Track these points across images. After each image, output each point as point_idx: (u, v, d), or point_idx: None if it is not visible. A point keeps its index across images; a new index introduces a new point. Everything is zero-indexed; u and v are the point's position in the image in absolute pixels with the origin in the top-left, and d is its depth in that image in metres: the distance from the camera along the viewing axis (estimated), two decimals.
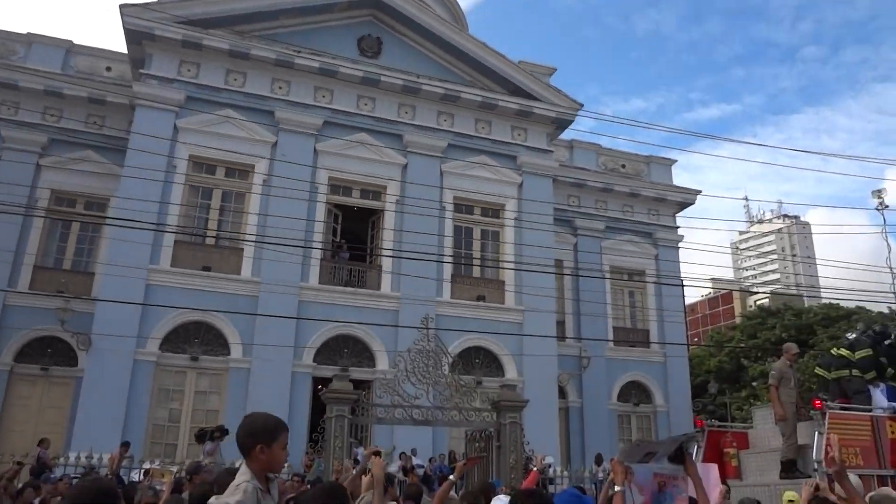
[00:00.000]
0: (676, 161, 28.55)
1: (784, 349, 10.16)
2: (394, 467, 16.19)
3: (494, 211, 22.58)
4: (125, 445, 14.94)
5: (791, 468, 9.05)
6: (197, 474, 6.66)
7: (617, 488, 3.76)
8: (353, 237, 21.81)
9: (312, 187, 19.97)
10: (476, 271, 22.27)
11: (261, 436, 2.97)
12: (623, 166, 27.46)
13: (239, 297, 18.74)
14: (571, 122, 23.55)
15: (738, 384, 35.23)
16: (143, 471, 13.53)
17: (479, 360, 20.89)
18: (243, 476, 2.89)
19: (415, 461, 17.05)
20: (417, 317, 15.70)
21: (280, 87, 20.66)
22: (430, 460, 17.78)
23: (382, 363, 19.34)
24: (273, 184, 19.29)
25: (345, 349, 19.77)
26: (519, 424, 13.58)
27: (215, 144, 19.44)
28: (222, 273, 18.98)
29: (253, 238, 18.67)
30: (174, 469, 13.32)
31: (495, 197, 22.39)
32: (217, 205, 19.86)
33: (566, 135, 25.26)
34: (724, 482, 8.04)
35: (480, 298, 21.35)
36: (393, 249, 19.86)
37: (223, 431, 14.73)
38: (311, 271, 19.81)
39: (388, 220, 20.99)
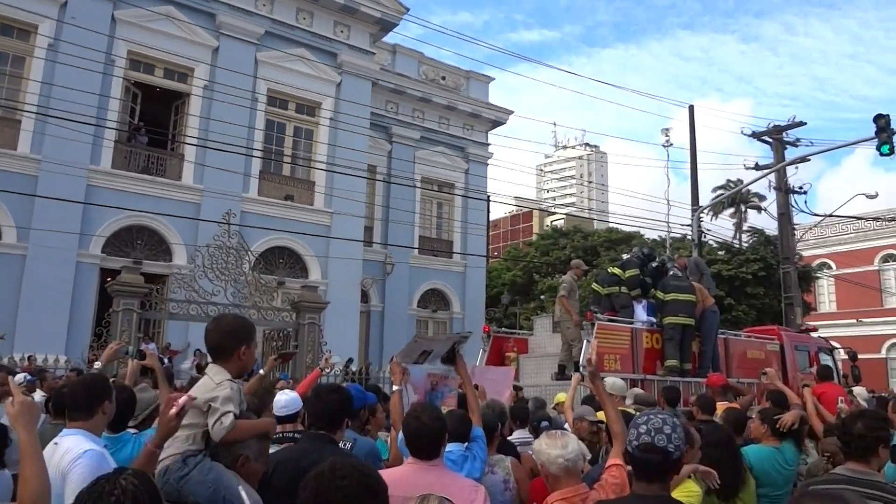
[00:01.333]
0: (494, 79, 29.24)
1: (573, 265, 11.03)
2: (187, 364, 15.79)
3: (310, 108, 21.86)
4: None
5: (563, 371, 10.01)
6: None
7: (395, 388, 3.97)
8: (154, 121, 20.13)
9: (108, 59, 17.97)
10: (286, 169, 21.62)
11: (244, 337, 2.94)
12: (443, 78, 27.61)
13: (13, 175, 16.66)
14: (396, 25, 23.10)
15: (528, 297, 38.01)
16: None
17: (283, 261, 20.59)
18: (223, 375, 2.83)
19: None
20: (220, 211, 15.03)
21: None
22: None
23: (180, 257, 18.43)
24: (60, 49, 17.08)
25: (139, 241, 18.54)
26: (318, 325, 13.74)
27: None
28: None
29: (33, 109, 16.57)
30: None
31: (312, 94, 21.61)
32: None
33: (389, 38, 24.80)
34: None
35: (289, 198, 20.85)
36: (198, 138, 18.63)
37: None
38: (104, 153, 18.11)
39: (195, 105, 19.55)
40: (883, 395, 11.98)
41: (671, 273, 10.83)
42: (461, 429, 3.69)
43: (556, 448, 3.04)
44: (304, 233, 20.23)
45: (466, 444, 3.71)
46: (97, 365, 4.29)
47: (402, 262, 24.79)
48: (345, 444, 3.84)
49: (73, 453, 2.75)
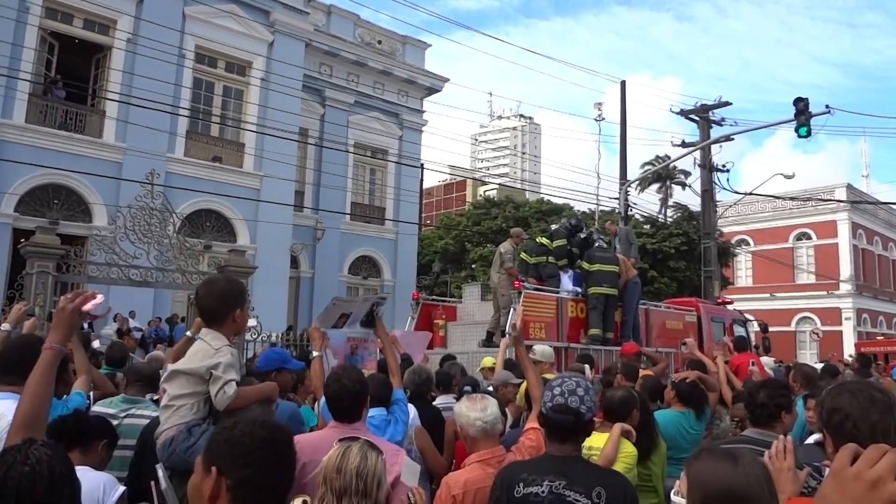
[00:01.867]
0: (431, 46, 28.98)
1: (513, 233, 11.07)
2: (108, 329, 15.31)
3: (240, 68, 21.20)
4: None
5: (491, 337, 10.16)
6: None
7: (315, 354, 3.96)
8: (73, 74, 19.14)
9: (22, 6, 16.96)
10: (214, 130, 20.98)
11: (238, 300, 2.92)
12: (379, 42, 27.16)
13: None
14: None
15: (460, 265, 38.29)
16: None
17: (210, 224, 20.07)
18: (221, 340, 2.79)
19: (132, 324, 16.28)
20: (143, 171, 14.46)
21: None
22: (149, 323, 17.08)
23: (100, 218, 17.73)
24: None
25: (55, 200, 17.73)
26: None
27: None
28: None
29: None
30: None
31: (242, 52, 20.94)
32: None
33: None
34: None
35: (217, 159, 20.27)
36: (120, 94, 17.83)
37: None
38: (16, 107, 17.16)
39: (117, 59, 18.67)
40: (789, 364, 12.67)
41: (597, 244, 11.09)
42: (382, 393, 3.71)
43: (475, 411, 3.10)
44: (232, 195, 19.78)
45: (388, 407, 3.74)
46: (5, 326, 4.12)
47: (334, 227, 24.54)
48: None
49: (7, 419, 2.64)
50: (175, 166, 19.06)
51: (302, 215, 23.54)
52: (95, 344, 10.49)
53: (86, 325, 13.65)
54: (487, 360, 7.74)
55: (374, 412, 3.69)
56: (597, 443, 3.77)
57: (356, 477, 2.05)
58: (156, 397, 4.06)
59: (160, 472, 2.41)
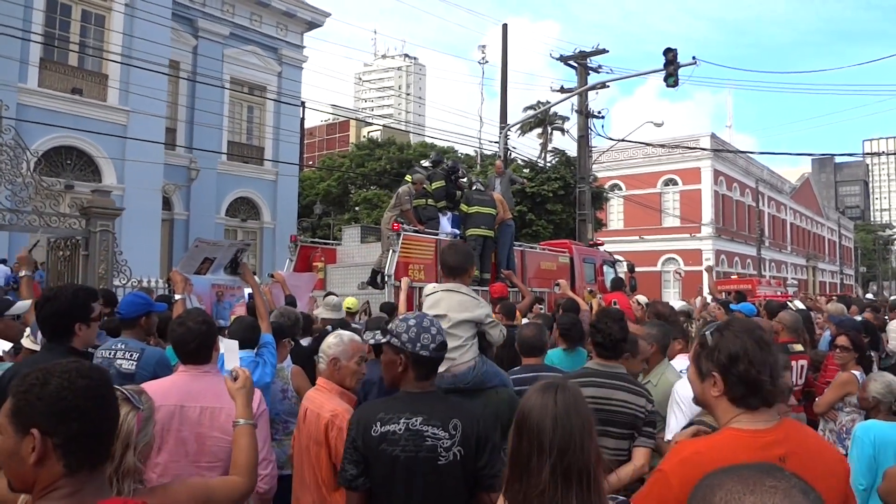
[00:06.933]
0: None
1: (415, 180, 11.00)
2: None
3: None
4: None
5: (376, 276, 10.21)
6: None
7: (177, 297, 3.85)
8: None
9: None
10: (73, 59, 19.34)
11: (473, 257, 3.70)
12: None
13: None
14: None
15: (342, 208, 37.88)
16: None
17: (71, 162, 18.70)
18: (472, 291, 3.56)
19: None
20: None
21: None
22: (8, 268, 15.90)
23: None
24: None
25: None
26: (111, 233, 12.78)
27: None
28: None
29: None
30: None
31: None
32: None
33: None
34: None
35: (77, 91, 18.75)
36: None
37: None
38: None
39: None
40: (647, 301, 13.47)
41: (475, 187, 11.28)
42: (250, 335, 3.69)
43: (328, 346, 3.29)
44: (95, 132, 18.44)
45: (256, 350, 3.72)
46: None
47: (209, 168, 23.47)
48: (132, 354, 3.71)
49: None
50: (28, 98, 17.51)
51: (174, 154, 22.34)
52: None
53: None
54: (349, 301, 7.75)
55: (243, 354, 3.67)
56: None
57: None
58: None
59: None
